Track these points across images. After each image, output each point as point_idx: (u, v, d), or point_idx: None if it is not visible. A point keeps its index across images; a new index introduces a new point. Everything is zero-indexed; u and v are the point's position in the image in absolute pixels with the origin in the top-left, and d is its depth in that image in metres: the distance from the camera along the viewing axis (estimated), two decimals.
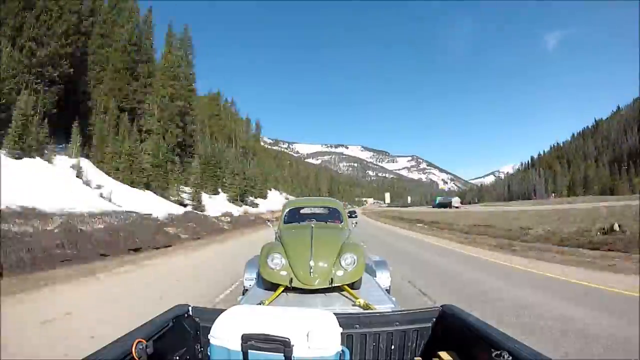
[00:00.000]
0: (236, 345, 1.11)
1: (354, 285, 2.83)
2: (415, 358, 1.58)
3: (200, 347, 1.53)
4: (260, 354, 1.10)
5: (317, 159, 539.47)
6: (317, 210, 4.38)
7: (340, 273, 2.73)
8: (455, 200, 75.34)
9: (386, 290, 3.25)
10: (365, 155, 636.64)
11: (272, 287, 2.84)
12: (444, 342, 1.52)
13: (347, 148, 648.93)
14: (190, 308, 1.57)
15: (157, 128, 26.64)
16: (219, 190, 37.52)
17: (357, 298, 2.48)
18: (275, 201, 51.72)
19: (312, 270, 2.70)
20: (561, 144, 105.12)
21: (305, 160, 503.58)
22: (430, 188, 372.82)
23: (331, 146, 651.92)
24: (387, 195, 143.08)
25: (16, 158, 14.54)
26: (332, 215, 4.22)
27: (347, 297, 2.68)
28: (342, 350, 1.17)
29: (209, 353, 1.23)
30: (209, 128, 49.88)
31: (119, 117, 23.36)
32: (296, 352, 1.08)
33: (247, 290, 3.39)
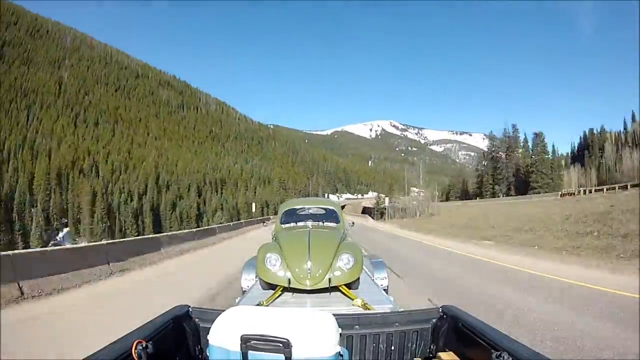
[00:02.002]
0: (235, 346, 1.13)
1: (352, 285, 2.93)
2: (415, 359, 1.62)
3: (200, 348, 1.58)
4: (259, 354, 1.12)
5: (441, 147, 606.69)
6: (313, 211, 4.44)
7: (337, 273, 2.82)
8: None
9: (384, 289, 3.36)
10: (486, 144, 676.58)
11: (271, 287, 2.96)
12: (443, 343, 1.57)
13: (471, 135, 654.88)
14: (190, 309, 1.64)
15: None
16: None
17: (355, 298, 2.63)
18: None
19: (309, 271, 2.78)
20: None
21: (430, 147, 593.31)
22: None
23: (456, 133, 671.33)
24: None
25: None
26: (329, 216, 4.33)
27: (345, 297, 2.78)
28: (342, 351, 1.21)
29: (208, 354, 1.26)
30: None
31: None
32: (295, 353, 1.10)
33: (245, 291, 3.51)
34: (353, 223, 5.83)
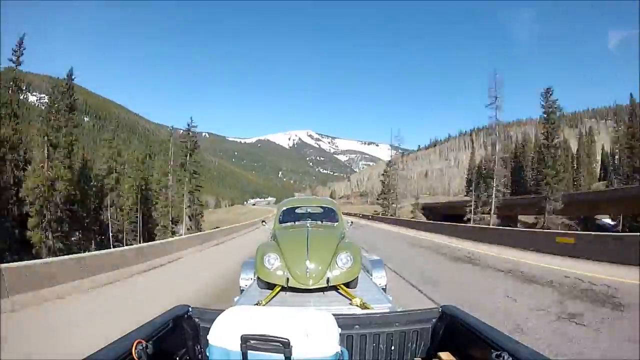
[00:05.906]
0: (235, 346, 1.18)
1: (350, 285, 3.06)
2: (414, 359, 1.68)
3: (200, 348, 1.65)
4: (259, 354, 1.16)
5: (346, 156, 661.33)
6: (312, 210, 4.58)
7: (336, 273, 2.96)
8: None
9: (382, 289, 3.48)
10: (389, 154, 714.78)
11: (269, 287, 3.07)
12: (443, 343, 1.63)
13: (378, 146, 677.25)
14: (189, 309, 1.71)
15: None
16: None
17: (353, 297, 2.73)
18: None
19: (308, 270, 2.90)
20: None
21: (335, 155, 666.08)
22: None
23: (364, 143, 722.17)
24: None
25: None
26: (328, 215, 4.50)
27: (344, 296, 2.88)
28: (341, 351, 1.26)
29: (208, 354, 1.31)
30: None
31: None
32: (295, 353, 1.15)
33: (243, 290, 3.62)
34: (352, 222, 5.91)
